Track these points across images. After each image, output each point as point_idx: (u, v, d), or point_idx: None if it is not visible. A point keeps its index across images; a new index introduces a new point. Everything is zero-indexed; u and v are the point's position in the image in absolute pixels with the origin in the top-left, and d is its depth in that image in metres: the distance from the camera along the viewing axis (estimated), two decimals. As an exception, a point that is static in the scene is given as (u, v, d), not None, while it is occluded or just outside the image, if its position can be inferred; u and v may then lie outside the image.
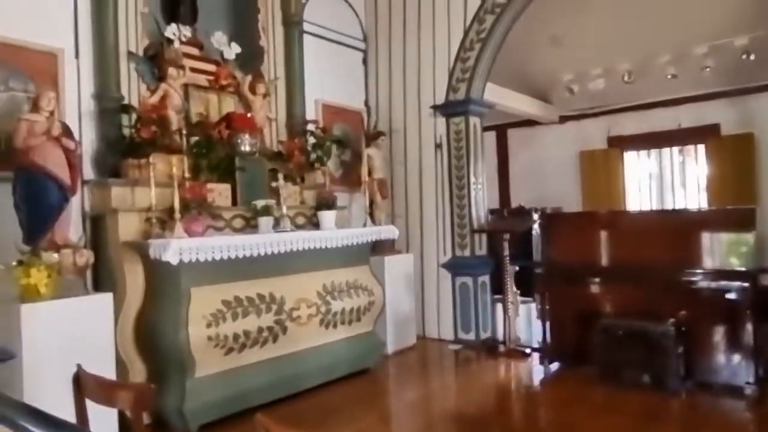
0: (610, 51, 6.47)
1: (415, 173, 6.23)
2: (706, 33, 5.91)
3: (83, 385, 1.89)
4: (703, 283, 4.30)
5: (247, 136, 4.66)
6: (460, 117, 5.87)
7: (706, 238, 4.50)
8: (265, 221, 4.46)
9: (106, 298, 3.57)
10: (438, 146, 6.02)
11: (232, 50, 5.07)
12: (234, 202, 4.56)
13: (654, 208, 7.95)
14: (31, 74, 3.79)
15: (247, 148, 4.67)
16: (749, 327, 4.10)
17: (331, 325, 4.69)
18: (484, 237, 5.96)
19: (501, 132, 8.72)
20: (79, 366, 1.96)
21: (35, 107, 3.52)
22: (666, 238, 4.63)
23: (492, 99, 6.18)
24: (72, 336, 3.20)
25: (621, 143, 7.71)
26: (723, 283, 4.21)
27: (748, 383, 4.11)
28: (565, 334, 4.95)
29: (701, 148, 7.14)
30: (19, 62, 3.74)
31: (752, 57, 5.75)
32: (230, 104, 4.99)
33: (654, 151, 7.80)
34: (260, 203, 4.47)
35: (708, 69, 6.02)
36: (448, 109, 5.92)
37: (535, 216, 6.20)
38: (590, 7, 6.16)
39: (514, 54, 6.41)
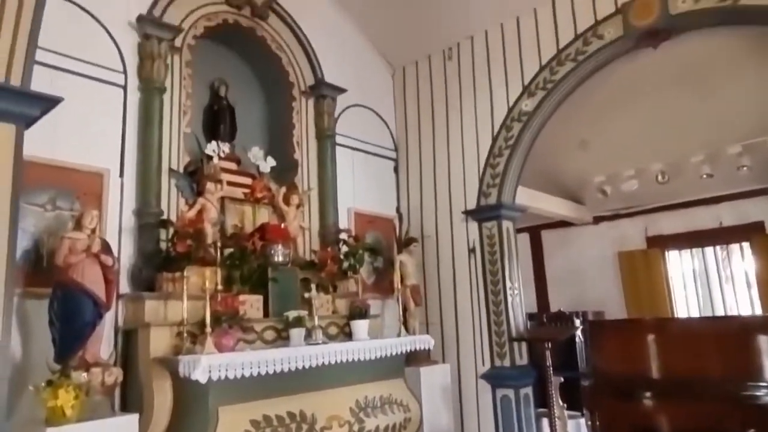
0: (640, 152, 6.49)
1: (448, 279, 6.11)
2: (737, 133, 5.90)
3: None
4: (754, 397, 3.93)
5: (280, 246, 4.68)
6: (493, 221, 5.83)
7: (765, 345, 4.19)
8: (296, 333, 4.35)
9: (132, 420, 3.44)
10: (471, 251, 5.94)
11: (268, 164, 5.26)
12: (266, 314, 4.49)
13: (701, 309, 7.54)
14: (77, 194, 3.95)
15: (280, 259, 4.67)
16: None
17: (365, 445, 4.39)
18: (524, 345, 5.67)
19: (535, 234, 8.63)
20: None
21: (78, 225, 3.64)
22: (723, 347, 4.32)
23: (524, 202, 6.16)
24: (94, 462, 3.05)
25: (661, 243, 7.49)
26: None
27: None
28: (620, 455, 4.52)
29: (746, 245, 6.87)
30: (68, 182, 3.91)
31: (789, 155, 5.67)
32: (265, 215, 5.09)
33: (696, 250, 7.53)
34: (292, 314, 4.39)
35: (745, 168, 5.92)
36: (480, 214, 5.91)
37: (578, 322, 5.92)
38: (615, 111, 6.27)
39: (544, 158, 6.48)
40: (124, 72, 4.42)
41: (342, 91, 6.00)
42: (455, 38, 6.39)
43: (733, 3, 4.53)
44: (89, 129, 4.13)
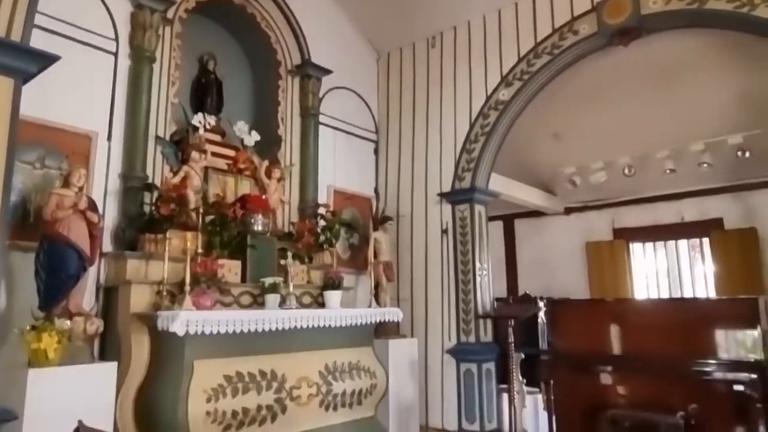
0: (609, 145, 6.78)
1: (421, 258, 6.37)
2: (702, 131, 6.22)
3: (82, 440, 1.95)
4: (712, 374, 4.24)
5: (260, 216, 4.89)
6: (466, 204, 6.09)
7: (712, 327, 4.49)
8: (271, 298, 4.57)
9: (111, 367, 3.64)
10: (444, 232, 6.20)
11: (252, 138, 5.45)
12: (243, 279, 4.70)
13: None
14: (66, 154, 4.12)
15: (260, 228, 4.88)
16: (762, 423, 3.99)
17: (331, 407, 4.63)
18: (489, 323, 5.96)
19: (508, 222, 8.93)
20: (80, 422, 2.04)
21: (66, 183, 3.81)
22: (673, 327, 4.62)
23: (497, 189, 6.43)
24: (73, 402, 3.24)
25: (626, 235, 7.84)
26: (731, 374, 4.15)
27: (762, 484, 3.94)
28: (572, 426, 4.82)
29: (706, 241, 7.23)
30: (57, 143, 4.08)
31: (747, 154, 5.99)
32: (246, 187, 5.28)
33: (660, 243, 7.88)
34: (268, 280, 4.61)
35: (705, 165, 6.25)
36: (454, 197, 6.17)
37: (541, 303, 6.22)
38: (589, 105, 6.54)
39: (519, 147, 6.75)
40: (116, 40, 4.57)
41: (327, 72, 6.20)
42: (439, 27, 6.61)
43: (700, 6, 4.81)
44: (80, 93, 4.28)
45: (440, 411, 5.94)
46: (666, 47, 5.52)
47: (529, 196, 7.66)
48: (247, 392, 4.04)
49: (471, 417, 5.73)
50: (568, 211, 8.40)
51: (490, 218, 6.69)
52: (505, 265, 8.81)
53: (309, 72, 6.04)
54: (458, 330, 5.95)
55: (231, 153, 5.29)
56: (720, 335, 4.38)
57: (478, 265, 5.97)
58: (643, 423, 4.26)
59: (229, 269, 4.61)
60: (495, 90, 6.06)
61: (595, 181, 6.94)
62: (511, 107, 5.98)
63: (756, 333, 4.19)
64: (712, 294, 7.06)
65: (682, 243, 7.72)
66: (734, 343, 4.31)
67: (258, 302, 4.68)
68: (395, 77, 7.03)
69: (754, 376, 3.98)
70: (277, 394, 4.22)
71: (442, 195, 6.26)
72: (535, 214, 8.54)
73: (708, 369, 4.26)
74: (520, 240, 8.88)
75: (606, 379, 4.75)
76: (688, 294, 7.64)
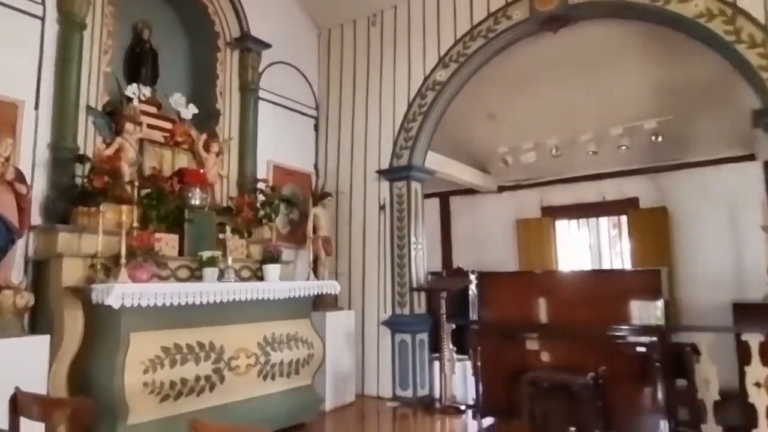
0: (539, 127, 7.14)
1: (359, 233, 6.54)
2: (621, 116, 6.66)
3: (20, 405, 2.00)
4: (621, 339, 4.67)
5: (198, 190, 4.89)
6: (403, 182, 6.29)
7: (623, 296, 4.92)
8: (209, 272, 4.61)
9: (43, 341, 3.62)
10: (381, 208, 6.39)
11: (189, 111, 5.38)
12: (181, 253, 4.71)
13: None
14: (-11, 122, 3.96)
15: (197, 202, 4.88)
16: (660, 380, 4.45)
17: (269, 376, 4.77)
18: (423, 295, 6.24)
19: (444, 199, 9.23)
20: (17, 388, 2.08)
21: (-9, 153, 3.68)
22: (591, 297, 5.02)
23: (433, 167, 6.66)
24: (5, 376, 3.20)
25: (552, 213, 8.32)
26: (634, 337, 4.59)
27: (660, 434, 4.42)
28: (497, 390, 5.17)
29: (624, 219, 7.79)
30: (-21, 110, 3.91)
31: (660, 139, 6.49)
32: (184, 160, 5.24)
33: (583, 221, 8.42)
34: (206, 254, 4.64)
35: (624, 148, 6.72)
36: (392, 174, 6.35)
37: (472, 276, 6.55)
38: (521, 88, 6.85)
39: (455, 126, 6.99)
40: (43, 4, 4.39)
41: (267, 46, 6.16)
42: (380, 5, 6.69)
43: (621, -2, 5.15)
44: (4, 59, 4.10)
45: (376, 380, 6.20)
46: (591, 36, 5.86)
47: (464, 174, 7.96)
48: (185, 363, 4.11)
49: (405, 384, 6.02)
50: (501, 189, 8.78)
51: (427, 195, 6.94)
52: (440, 240, 9.13)
53: (248, 45, 5.99)
54: (393, 302, 6.19)
55: (168, 126, 5.22)
56: (629, 303, 4.81)
57: (413, 240, 6.20)
58: (559, 383, 4.65)
59: (167, 243, 4.60)
60: (432, 71, 6.24)
61: (525, 161, 7.31)
62: (448, 88, 6.18)
63: (658, 300, 4.65)
64: (629, 267, 7.64)
65: (604, 220, 8.26)
66: (640, 309, 4.75)
67: (196, 276, 4.71)
68: (336, 54, 7.07)
69: (654, 338, 4.43)
70: (216, 365, 4.31)
71: (380, 172, 6.43)
72: (470, 191, 8.87)
73: (618, 334, 4.69)
74: (455, 216, 9.21)
75: (531, 345, 5.13)
76: (608, 267, 8.21)
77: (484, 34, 5.92)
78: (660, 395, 4.42)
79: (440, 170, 7.03)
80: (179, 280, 4.64)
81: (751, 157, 6.69)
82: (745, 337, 4.71)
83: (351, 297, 6.44)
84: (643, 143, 6.74)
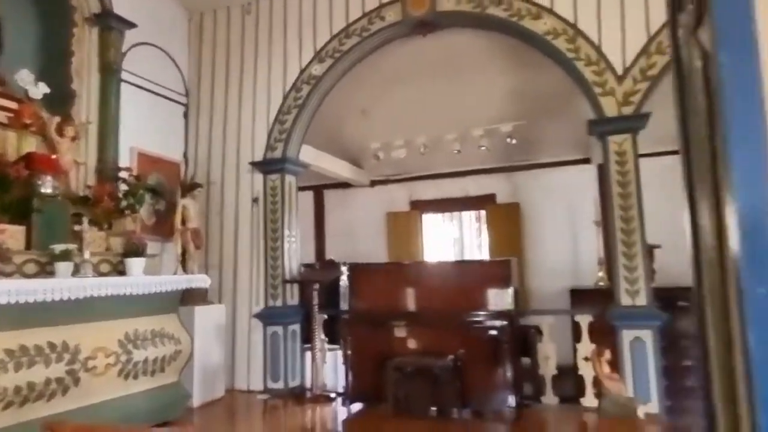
0: (409, 125, 7.53)
1: (231, 225, 6.42)
2: (482, 119, 7.27)
3: None
4: (476, 324, 5.13)
5: (49, 177, 4.50)
6: (277, 174, 6.28)
7: (480, 284, 5.39)
8: (63, 267, 4.28)
9: None
10: (255, 201, 6.33)
11: (40, 90, 4.91)
12: (28, 246, 4.31)
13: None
14: None
15: (49, 190, 4.49)
16: (509, 360, 4.97)
17: (131, 375, 4.56)
18: (295, 287, 6.30)
19: (318, 192, 9.35)
20: None
21: None
22: (454, 286, 5.44)
23: (308, 160, 6.73)
24: None
25: (420, 206, 8.81)
26: (488, 322, 5.07)
27: (509, 407, 4.95)
28: (366, 377, 5.41)
29: (483, 213, 8.48)
30: None
31: (514, 141, 7.17)
32: (32, 144, 4.77)
33: (449, 214, 9.01)
34: (59, 247, 4.30)
35: (484, 148, 7.31)
36: (266, 167, 6.31)
37: (344, 268, 6.74)
38: (393, 86, 7.16)
39: (330, 121, 7.11)
40: None
41: (132, 25, 5.79)
42: (255, -6, 6.59)
43: (482, 11, 5.60)
44: None
45: (246, 373, 6.16)
46: (456, 42, 6.29)
47: (338, 168, 8.12)
48: (33, 366, 3.80)
49: (276, 376, 6.06)
50: (373, 183, 9.09)
51: (301, 188, 6.99)
52: (314, 232, 9.24)
53: (110, 23, 5.58)
54: (266, 295, 6.18)
55: (13, 105, 4.72)
56: (485, 291, 5.30)
57: (287, 233, 6.23)
58: (422, 367, 5.01)
59: (11, 235, 4.19)
60: (308, 65, 6.29)
61: (396, 157, 7.65)
62: (323, 82, 6.28)
63: (509, 288, 5.17)
64: (487, 258, 8.32)
65: (467, 214, 8.92)
66: (494, 296, 5.26)
67: (47, 271, 4.35)
68: (209, 40, 6.83)
69: (504, 323, 4.94)
70: (70, 366, 4.04)
71: (254, 164, 6.36)
72: (344, 185, 9.07)
73: (475, 319, 5.14)
74: (329, 209, 9.37)
75: (399, 332, 5.43)
76: (470, 258, 8.87)
77: (359, 32, 6.09)
78: (508, 373, 4.94)
79: (314, 164, 7.12)
80: (25, 275, 4.25)
81: (587, 161, 7.65)
82: (577, 318, 5.42)
83: (222, 290, 6.32)
84: (499, 144, 7.39)
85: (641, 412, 4.36)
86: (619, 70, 5.16)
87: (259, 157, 6.37)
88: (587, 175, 7.39)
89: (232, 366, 6.18)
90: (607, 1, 5.25)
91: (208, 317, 5.74)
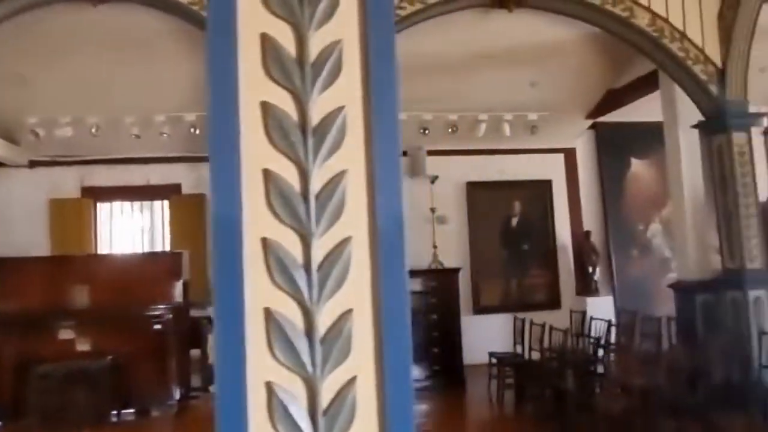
0: (79, 102, 6.68)
1: None
2: (164, 105, 6.91)
3: None
4: (141, 319, 4.90)
5: None
6: None
7: (151, 277, 5.16)
8: None
9: None
10: None
11: None
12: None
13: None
14: None
15: None
16: (174, 353, 4.89)
17: None
18: None
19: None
20: None
21: None
22: (125, 279, 5.07)
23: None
24: None
25: (95, 194, 7.94)
26: (157, 317, 4.90)
27: (173, 401, 4.87)
28: (2, 388, 4.65)
29: (166, 203, 8.11)
30: None
31: (198, 132, 7.06)
32: None
33: (138, 204, 8.33)
34: None
35: (166, 135, 7.00)
36: None
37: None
38: (60, 55, 6.23)
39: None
40: None
41: None
42: None
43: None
44: None
45: None
46: (131, 19, 5.82)
47: (-17, 143, 6.73)
48: None
49: None
50: (33, 164, 7.81)
51: None
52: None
53: None
54: None
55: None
56: (158, 284, 5.11)
57: None
58: (76, 371, 4.54)
59: None
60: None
61: (61, 135, 6.72)
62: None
63: (179, 281, 5.10)
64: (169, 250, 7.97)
65: (154, 204, 8.37)
66: (165, 289, 5.11)
67: None
68: None
69: (170, 316, 4.85)
70: None
71: None
72: (-2, 164, 7.56)
73: (144, 314, 4.91)
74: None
75: (66, 334, 4.81)
76: (158, 250, 8.35)
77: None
78: (173, 366, 4.86)
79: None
80: None
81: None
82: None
83: None
84: (183, 133, 7.17)
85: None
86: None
87: None
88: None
89: None
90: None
91: None
